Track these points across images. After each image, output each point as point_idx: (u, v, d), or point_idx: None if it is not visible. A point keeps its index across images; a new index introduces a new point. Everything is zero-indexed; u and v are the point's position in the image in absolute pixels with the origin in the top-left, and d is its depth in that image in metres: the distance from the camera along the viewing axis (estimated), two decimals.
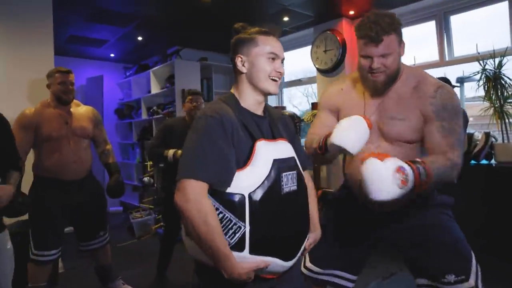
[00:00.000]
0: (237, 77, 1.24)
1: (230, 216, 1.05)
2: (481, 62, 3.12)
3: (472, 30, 3.73)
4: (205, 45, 5.17)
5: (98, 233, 2.62)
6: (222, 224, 1.04)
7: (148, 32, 4.58)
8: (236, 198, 1.05)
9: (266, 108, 1.28)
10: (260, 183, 1.07)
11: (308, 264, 1.63)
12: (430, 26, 3.81)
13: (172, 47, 5.20)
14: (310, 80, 4.97)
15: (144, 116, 5.53)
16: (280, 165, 1.13)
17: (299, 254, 1.21)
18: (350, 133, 1.27)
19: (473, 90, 3.23)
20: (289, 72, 5.33)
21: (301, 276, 1.34)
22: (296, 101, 6.33)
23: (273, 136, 1.23)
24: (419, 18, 3.89)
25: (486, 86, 3.09)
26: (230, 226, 1.04)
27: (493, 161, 3.12)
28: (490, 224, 3.04)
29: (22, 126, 2.33)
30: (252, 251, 1.05)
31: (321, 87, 4.48)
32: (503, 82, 3.02)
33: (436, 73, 3.69)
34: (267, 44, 1.19)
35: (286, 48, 5.19)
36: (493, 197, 3.04)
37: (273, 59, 1.19)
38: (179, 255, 3.01)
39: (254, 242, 1.05)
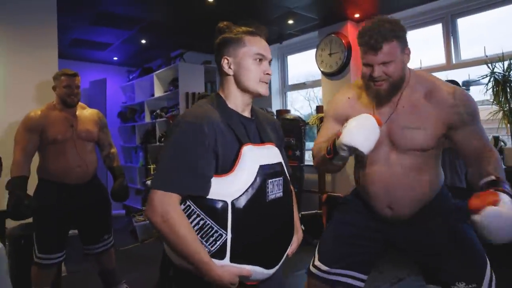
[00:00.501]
0: (223, 79, 1.19)
1: (212, 223, 1.01)
2: (489, 65, 3.09)
3: (480, 33, 3.70)
4: (209, 48, 5.15)
5: (102, 237, 2.59)
6: (203, 231, 1.02)
7: (152, 35, 4.57)
8: (219, 205, 1.02)
9: (254, 110, 1.24)
10: (244, 190, 1.04)
11: (317, 262, 1.60)
12: (437, 29, 3.79)
13: (176, 50, 5.20)
14: (314, 84, 4.95)
15: (147, 119, 5.51)
16: (266, 172, 1.10)
17: (281, 261, 1.18)
18: (360, 132, 1.24)
19: (481, 94, 3.21)
20: (293, 75, 5.31)
21: (282, 279, 1.30)
22: (298, 105, 6.31)
23: (260, 139, 1.19)
24: (426, 21, 3.87)
25: (495, 90, 3.06)
26: (211, 233, 1.01)
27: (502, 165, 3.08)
28: None
29: (28, 129, 2.31)
30: (233, 259, 1.03)
31: (325, 90, 4.46)
32: None
33: (442, 76, 3.66)
34: (254, 45, 1.15)
35: (291, 51, 5.17)
36: None
37: (261, 60, 1.15)
38: None
39: (235, 250, 1.03)
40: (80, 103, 2.54)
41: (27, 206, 1.71)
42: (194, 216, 1.02)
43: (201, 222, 1.02)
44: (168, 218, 0.99)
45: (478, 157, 1.34)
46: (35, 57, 3.19)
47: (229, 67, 1.15)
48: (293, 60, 5.28)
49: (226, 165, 1.06)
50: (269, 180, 1.10)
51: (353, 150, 1.27)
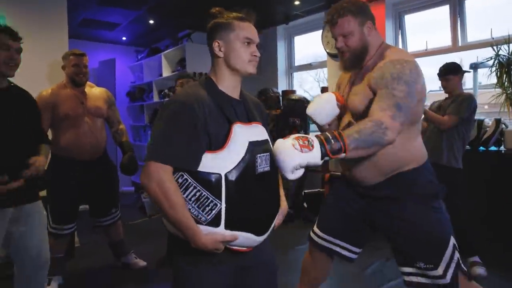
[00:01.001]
0: (214, 61, 1.27)
1: (207, 194, 1.11)
2: (494, 47, 3.09)
3: (487, 15, 3.67)
4: None
5: (110, 210, 2.74)
6: (200, 202, 1.11)
7: (160, 16, 4.61)
8: (213, 177, 1.11)
9: (242, 92, 1.33)
10: (236, 163, 1.13)
11: (315, 228, 1.75)
12: (443, 11, 3.76)
13: (183, 31, 5.22)
14: (320, 65, 4.96)
15: (155, 98, 5.60)
16: (255, 147, 1.19)
17: (270, 230, 1.29)
18: (316, 104, 1.59)
19: (484, 77, 3.21)
20: (300, 56, 5.32)
21: (271, 247, 1.41)
22: (307, 86, 6.34)
23: (248, 119, 1.28)
24: (432, 3, 3.83)
25: (498, 72, 3.07)
26: (207, 203, 1.11)
27: (502, 148, 3.11)
28: (499, 210, 3.06)
29: (40, 107, 2.39)
30: (227, 227, 1.13)
31: (331, 71, 4.47)
32: None
33: (449, 58, 3.65)
34: (243, 29, 1.22)
35: (297, 32, 5.17)
36: (502, 183, 3.05)
37: (249, 43, 1.23)
38: None
39: (229, 218, 1.12)
40: (88, 82, 2.63)
41: (42, 179, 1.85)
42: (191, 188, 1.12)
43: (198, 194, 1.11)
44: (162, 185, 1.08)
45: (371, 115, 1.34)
46: (46, 37, 3.28)
47: (220, 50, 1.23)
48: (299, 41, 5.28)
49: (218, 142, 1.15)
50: (258, 155, 1.20)
51: (312, 119, 1.59)
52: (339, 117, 1.74)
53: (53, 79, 3.10)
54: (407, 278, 1.50)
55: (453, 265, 1.44)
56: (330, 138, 1.22)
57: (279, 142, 1.20)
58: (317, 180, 4.45)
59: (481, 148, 3.16)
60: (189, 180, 1.12)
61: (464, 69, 2.87)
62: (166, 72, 5.39)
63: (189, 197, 1.12)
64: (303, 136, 1.20)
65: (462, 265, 1.48)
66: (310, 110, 1.61)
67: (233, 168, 1.13)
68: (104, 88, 2.78)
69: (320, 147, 1.19)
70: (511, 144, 2.99)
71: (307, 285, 1.81)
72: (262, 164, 1.22)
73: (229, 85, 1.26)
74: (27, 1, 3.18)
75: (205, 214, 1.11)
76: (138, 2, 4.07)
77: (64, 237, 2.53)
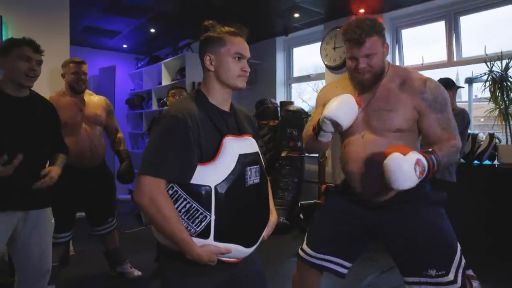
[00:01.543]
0: (205, 74, 1.29)
1: (197, 206, 1.12)
2: (488, 63, 3.15)
3: (482, 32, 3.74)
4: None
5: (107, 219, 2.74)
6: (189, 214, 1.12)
7: (160, 25, 4.67)
8: (203, 190, 1.12)
9: (232, 105, 1.35)
10: (226, 176, 1.15)
11: (304, 246, 1.72)
12: (439, 26, 3.83)
13: (183, 40, 5.28)
14: (318, 76, 5.02)
15: (154, 107, 5.64)
16: (245, 160, 1.21)
17: (259, 241, 1.30)
18: (339, 106, 1.46)
19: (479, 91, 3.27)
20: (299, 67, 5.38)
21: (259, 259, 1.42)
22: (306, 96, 6.39)
23: (239, 131, 1.30)
24: (428, 18, 3.91)
25: (492, 88, 3.12)
26: (196, 215, 1.12)
27: (496, 162, 3.16)
28: (493, 223, 3.08)
29: None
30: (216, 239, 1.14)
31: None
32: (509, 84, 3.05)
33: (445, 72, 3.72)
34: (234, 44, 1.23)
35: (296, 44, 5.23)
36: (496, 197, 3.08)
37: (239, 58, 1.24)
38: None
39: (218, 230, 1.14)
40: (87, 90, 2.66)
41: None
42: (181, 200, 1.13)
43: (188, 205, 1.13)
44: (155, 201, 1.09)
45: (436, 143, 1.49)
46: (48, 44, 3.27)
47: (211, 64, 1.25)
48: (298, 52, 5.34)
49: (209, 154, 1.17)
50: (248, 168, 1.22)
51: (333, 123, 1.47)
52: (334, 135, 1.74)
53: (55, 86, 3.12)
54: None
55: (461, 269, 1.47)
56: (435, 162, 1.35)
57: (402, 159, 1.27)
58: (313, 191, 4.47)
59: (476, 162, 3.20)
60: (179, 192, 1.13)
61: (459, 82, 2.93)
62: (166, 81, 5.44)
63: (179, 208, 1.13)
64: (420, 160, 1.30)
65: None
66: (333, 112, 1.45)
67: (223, 181, 1.14)
68: (103, 96, 2.81)
69: (427, 171, 1.33)
70: (505, 158, 3.04)
71: None
72: (252, 177, 1.24)
73: (220, 98, 1.28)
74: (30, 9, 3.22)
75: (195, 226, 1.13)
76: (140, 11, 4.13)
77: (60, 245, 2.52)
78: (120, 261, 2.86)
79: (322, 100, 1.70)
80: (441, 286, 1.45)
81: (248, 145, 1.28)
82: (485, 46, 3.37)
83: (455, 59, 3.71)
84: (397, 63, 4.21)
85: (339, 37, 4.24)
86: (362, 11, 4.05)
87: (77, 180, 2.50)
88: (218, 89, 1.27)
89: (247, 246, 1.22)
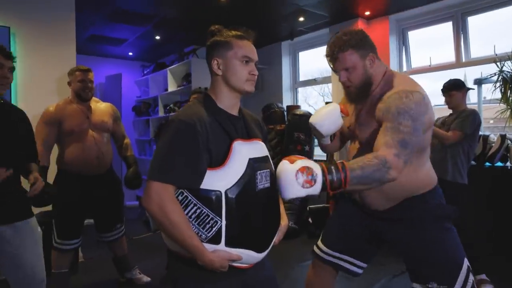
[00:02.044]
0: (213, 78, 1.28)
1: (208, 211, 1.11)
2: (498, 63, 3.11)
3: (491, 32, 3.70)
4: None
5: (115, 226, 2.74)
6: (200, 219, 1.11)
7: (166, 32, 4.69)
8: (213, 195, 1.11)
9: (241, 109, 1.34)
10: (236, 180, 1.13)
11: (319, 243, 1.73)
12: (447, 27, 3.80)
13: (189, 46, 5.30)
14: (324, 80, 5.00)
15: (161, 113, 5.65)
16: (255, 164, 1.19)
17: (270, 246, 1.28)
18: (321, 115, 1.57)
19: (489, 92, 3.22)
20: (304, 71, 5.37)
21: (271, 265, 1.39)
22: (312, 101, 6.38)
23: (248, 135, 1.28)
24: (435, 19, 3.88)
25: (502, 88, 3.08)
26: (207, 221, 1.11)
27: (508, 164, 3.10)
28: (504, 225, 3.02)
29: (46, 122, 2.45)
30: (227, 244, 1.12)
31: (335, 87, 4.50)
32: None
33: (453, 73, 3.68)
34: (241, 48, 1.23)
35: (302, 48, 5.23)
36: (508, 199, 3.02)
37: (247, 62, 1.23)
38: None
39: (229, 235, 1.12)
40: (94, 98, 2.67)
41: (48, 194, 1.85)
42: (192, 205, 1.12)
43: (198, 211, 1.11)
44: (164, 207, 1.08)
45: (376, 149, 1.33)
46: (55, 52, 3.34)
47: (218, 68, 1.24)
48: (304, 56, 5.33)
49: (218, 159, 1.15)
50: (258, 172, 1.20)
51: (314, 129, 1.58)
52: (344, 139, 1.75)
53: (62, 94, 3.15)
54: None
55: (469, 285, 1.42)
56: (334, 172, 1.20)
57: (284, 166, 1.18)
58: (322, 195, 4.43)
59: (487, 163, 3.14)
60: (189, 198, 1.12)
61: (468, 83, 2.89)
62: (172, 87, 5.45)
63: (189, 214, 1.12)
64: (308, 168, 1.16)
65: None
66: (313, 120, 1.58)
67: (233, 185, 1.13)
68: (109, 103, 2.82)
69: (322, 183, 1.18)
70: None
71: None
72: (262, 181, 1.22)
73: (228, 103, 1.26)
74: (37, 19, 3.25)
75: (206, 231, 1.11)
76: (145, 18, 4.15)
77: (69, 252, 2.52)
78: (128, 267, 2.85)
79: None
80: None
81: (258, 149, 1.26)
82: (494, 46, 3.33)
83: (463, 60, 3.67)
84: (404, 66, 4.18)
85: None
86: (367, 13, 4.04)
87: (84, 187, 2.50)
88: (226, 94, 1.26)
89: (258, 251, 1.20)
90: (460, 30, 3.66)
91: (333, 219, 1.79)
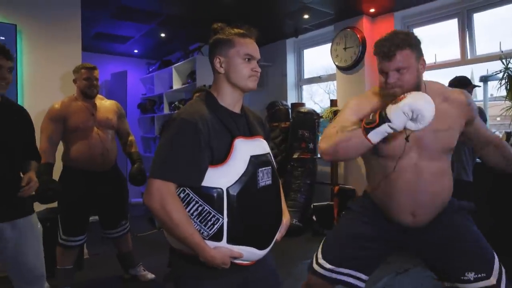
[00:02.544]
0: (215, 76, 1.28)
1: (209, 208, 1.11)
2: (504, 61, 3.08)
3: (497, 29, 3.66)
4: None
5: (120, 222, 2.76)
6: (202, 216, 1.12)
7: (171, 29, 4.70)
8: (215, 192, 1.12)
9: (243, 107, 1.34)
10: (238, 178, 1.14)
11: (321, 260, 1.63)
12: (452, 24, 3.77)
13: (194, 44, 5.31)
14: (329, 77, 4.98)
15: (166, 110, 5.67)
16: (256, 161, 1.20)
17: (272, 243, 1.28)
18: (424, 98, 1.18)
19: (494, 89, 3.19)
20: (309, 69, 5.35)
21: (273, 262, 1.39)
22: (318, 98, 6.36)
23: (250, 133, 1.28)
24: (441, 16, 3.84)
25: (508, 85, 3.05)
26: (209, 218, 1.11)
27: None
28: (509, 223, 3.00)
29: (52, 119, 2.48)
30: (229, 241, 1.13)
31: (340, 84, 4.49)
32: None
33: (458, 71, 3.65)
34: (243, 46, 1.23)
35: (307, 45, 5.21)
36: None
37: (249, 60, 1.23)
38: None
39: (231, 232, 1.13)
40: (98, 95, 2.69)
41: (53, 190, 1.87)
42: (193, 203, 1.13)
43: (200, 208, 1.12)
44: (165, 205, 1.09)
45: (489, 142, 1.57)
46: (61, 50, 3.37)
47: (221, 66, 1.24)
48: (308, 54, 5.32)
49: (220, 156, 1.16)
50: (259, 169, 1.21)
51: (413, 115, 1.18)
52: (380, 154, 1.51)
53: (67, 91, 3.17)
54: None
55: (503, 276, 1.42)
56: None
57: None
58: (326, 193, 4.44)
59: None
60: (191, 195, 1.13)
61: (474, 81, 2.87)
62: (177, 85, 5.47)
63: (191, 211, 1.13)
64: None
65: None
66: (416, 102, 1.17)
67: (235, 183, 1.14)
68: (114, 100, 2.84)
69: None
70: None
71: None
72: (264, 178, 1.23)
73: (230, 100, 1.27)
74: (43, 17, 3.28)
75: (207, 228, 1.12)
76: (150, 16, 4.16)
77: (74, 248, 2.55)
78: (133, 264, 2.88)
79: (357, 105, 1.53)
80: None
81: (259, 146, 1.27)
82: (500, 43, 3.29)
83: (469, 57, 3.64)
84: None
85: (350, 38, 4.21)
86: (372, 10, 4.02)
87: (89, 184, 2.53)
88: (229, 91, 1.26)
89: (260, 248, 1.21)
90: (466, 27, 3.63)
91: (340, 235, 1.66)
